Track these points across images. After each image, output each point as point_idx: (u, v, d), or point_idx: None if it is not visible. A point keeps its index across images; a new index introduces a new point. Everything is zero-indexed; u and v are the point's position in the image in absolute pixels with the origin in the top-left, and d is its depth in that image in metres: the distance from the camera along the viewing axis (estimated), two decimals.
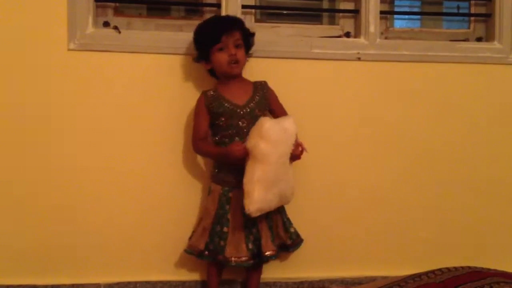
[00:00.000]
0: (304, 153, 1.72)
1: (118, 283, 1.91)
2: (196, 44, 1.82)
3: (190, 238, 1.81)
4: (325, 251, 2.01)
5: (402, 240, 2.05)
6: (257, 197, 1.59)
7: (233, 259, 1.72)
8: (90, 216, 1.90)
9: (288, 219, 1.86)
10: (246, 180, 1.61)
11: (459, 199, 2.07)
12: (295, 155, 1.69)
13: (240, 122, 1.74)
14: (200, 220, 1.82)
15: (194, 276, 1.95)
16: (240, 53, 1.76)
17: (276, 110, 1.84)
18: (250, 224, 1.73)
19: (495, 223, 2.10)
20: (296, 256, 1.96)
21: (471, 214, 2.08)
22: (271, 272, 1.97)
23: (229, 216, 1.74)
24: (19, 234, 1.88)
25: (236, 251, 1.72)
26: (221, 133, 1.76)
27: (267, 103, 1.81)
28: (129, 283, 1.91)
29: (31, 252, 1.88)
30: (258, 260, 1.76)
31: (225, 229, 1.74)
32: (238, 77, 1.81)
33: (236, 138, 1.72)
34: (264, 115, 1.79)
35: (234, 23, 1.78)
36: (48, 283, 1.88)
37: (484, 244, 2.09)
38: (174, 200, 1.92)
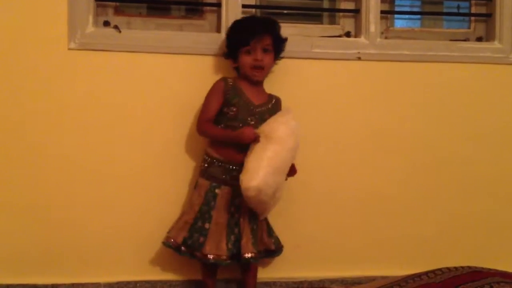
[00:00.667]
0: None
1: (118, 283, 1.90)
2: (227, 42, 1.83)
3: (169, 230, 1.80)
4: (325, 250, 2.01)
5: (402, 240, 2.05)
6: (262, 175, 1.60)
7: (211, 256, 1.71)
8: (90, 215, 1.90)
9: (270, 225, 1.87)
10: (252, 157, 1.63)
11: (459, 199, 2.07)
12: (292, 169, 1.74)
13: (249, 118, 1.75)
14: (182, 213, 1.82)
15: (193, 276, 1.94)
16: (268, 59, 1.77)
17: None
18: (232, 224, 1.74)
19: (495, 223, 2.10)
20: (296, 255, 1.96)
21: (472, 214, 2.08)
22: (271, 271, 1.97)
23: (212, 213, 1.73)
24: (19, 234, 1.88)
25: (216, 249, 1.71)
26: (226, 123, 1.76)
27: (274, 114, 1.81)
28: (128, 282, 1.91)
29: (31, 252, 1.88)
30: (237, 261, 1.75)
31: (206, 225, 1.73)
32: (258, 84, 1.82)
33: None
34: None
35: (266, 28, 1.78)
36: (48, 283, 1.88)
37: (484, 244, 2.09)
38: (174, 199, 1.92)
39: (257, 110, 1.77)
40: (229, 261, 1.73)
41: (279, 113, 1.71)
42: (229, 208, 1.73)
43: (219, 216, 1.73)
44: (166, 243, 1.78)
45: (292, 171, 1.75)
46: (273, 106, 1.82)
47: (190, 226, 1.75)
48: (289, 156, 1.66)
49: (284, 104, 1.87)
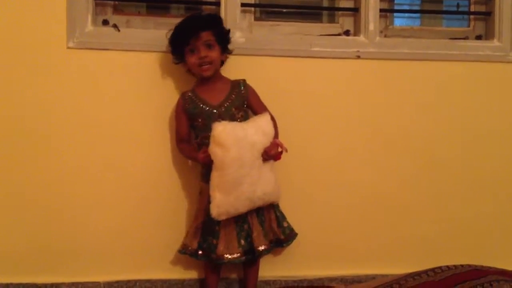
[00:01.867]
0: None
1: (118, 282, 1.91)
2: (170, 47, 1.81)
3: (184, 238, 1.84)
4: (325, 249, 2.01)
5: (402, 239, 2.05)
6: (218, 202, 1.63)
7: (225, 256, 1.72)
8: (90, 214, 1.90)
9: (281, 213, 1.86)
10: (209, 185, 1.65)
11: (459, 197, 2.08)
12: (271, 154, 1.68)
13: (216, 122, 1.69)
14: (193, 220, 1.83)
15: (194, 275, 1.95)
16: (213, 54, 1.74)
17: (255, 108, 1.82)
18: (240, 221, 1.74)
19: (495, 222, 2.10)
20: (296, 254, 1.96)
21: (471, 213, 2.08)
22: (271, 270, 1.97)
23: None
24: (19, 233, 1.88)
25: (228, 248, 1.73)
26: (200, 134, 1.77)
27: (244, 101, 1.80)
28: (128, 281, 1.91)
29: (31, 251, 1.88)
30: (251, 256, 1.76)
31: (216, 227, 1.74)
32: (213, 77, 1.79)
33: None
34: (245, 113, 1.80)
35: (203, 24, 1.75)
36: (48, 282, 1.88)
37: (484, 242, 2.10)
38: (175, 198, 1.93)
39: (219, 111, 1.75)
40: (243, 258, 1.75)
41: (212, 131, 1.63)
42: None
43: None
44: (182, 251, 1.82)
45: (271, 156, 1.69)
46: (237, 95, 1.79)
47: (202, 230, 1.78)
48: (237, 167, 1.61)
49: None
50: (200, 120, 1.76)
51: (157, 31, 1.94)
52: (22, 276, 1.87)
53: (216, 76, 1.81)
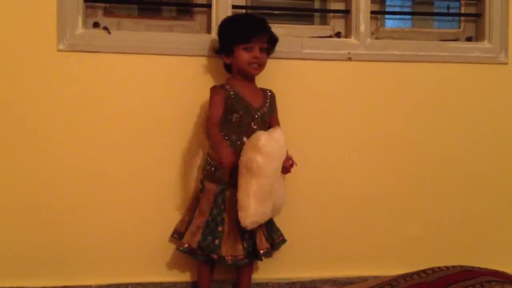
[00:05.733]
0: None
1: (109, 285, 1.89)
2: (222, 37, 1.81)
3: (172, 234, 1.84)
4: (317, 251, 2.01)
5: (394, 240, 2.05)
6: (254, 211, 1.62)
7: (229, 257, 1.72)
8: (81, 218, 1.89)
9: (271, 219, 1.85)
10: (241, 194, 1.63)
11: (450, 198, 2.08)
12: (285, 167, 1.73)
13: (252, 123, 1.74)
14: (188, 215, 1.83)
15: (186, 277, 1.94)
16: (264, 57, 1.78)
17: (273, 121, 1.84)
18: None
19: (488, 223, 2.11)
20: (288, 256, 1.96)
21: (463, 214, 2.09)
22: (264, 272, 1.97)
23: (224, 215, 1.74)
24: (9, 236, 1.87)
25: (233, 250, 1.73)
26: (228, 129, 1.74)
27: (272, 112, 1.83)
28: (120, 284, 1.90)
29: (21, 254, 1.87)
30: (253, 258, 1.78)
31: (220, 228, 1.73)
32: (252, 81, 1.82)
33: (244, 138, 1.71)
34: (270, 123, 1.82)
35: (266, 27, 1.78)
36: (38, 285, 1.86)
37: (476, 244, 2.10)
38: (166, 201, 1.92)
39: (258, 114, 1.77)
40: (247, 260, 1.75)
41: (253, 137, 1.65)
42: None
43: (231, 218, 1.73)
44: (181, 249, 1.79)
45: (285, 169, 1.74)
46: (270, 104, 1.82)
47: (203, 229, 1.75)
48: (275, 177, 1.66)
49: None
50: (237, 115, 1.74)
51: (148, 33, 1.94)
52: (12, 280, 1.85)
53: (253, 80, 1.83)
